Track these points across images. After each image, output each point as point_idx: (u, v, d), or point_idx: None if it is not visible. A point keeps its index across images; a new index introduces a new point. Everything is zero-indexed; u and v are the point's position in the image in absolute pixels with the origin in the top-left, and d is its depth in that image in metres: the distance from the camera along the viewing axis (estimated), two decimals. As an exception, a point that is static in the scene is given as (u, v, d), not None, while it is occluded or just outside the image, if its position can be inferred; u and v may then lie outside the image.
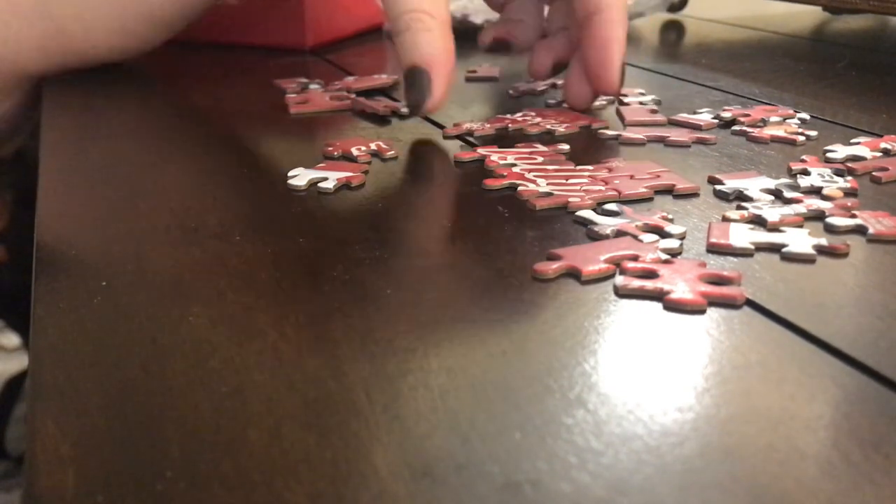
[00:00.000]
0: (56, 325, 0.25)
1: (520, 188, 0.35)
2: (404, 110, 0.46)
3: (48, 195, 0.35)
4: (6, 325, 1.08)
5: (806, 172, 0.37)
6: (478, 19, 0.72)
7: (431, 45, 0.41)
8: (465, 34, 0.72)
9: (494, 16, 0.72)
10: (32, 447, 0.19)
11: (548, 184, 0.36)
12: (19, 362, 1.06)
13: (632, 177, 0.36)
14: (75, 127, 0.46)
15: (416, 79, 0.41)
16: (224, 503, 0.18)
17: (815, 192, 0.35)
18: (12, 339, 1.15)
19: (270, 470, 0.18)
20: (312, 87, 0.52)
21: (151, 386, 0.22)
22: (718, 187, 0.35)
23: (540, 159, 0.39)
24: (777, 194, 0.34)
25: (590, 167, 0.38)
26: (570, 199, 0.34)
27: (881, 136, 0.42)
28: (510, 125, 0.44)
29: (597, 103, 0.49)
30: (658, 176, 0.37)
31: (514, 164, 0.38)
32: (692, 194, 0.35)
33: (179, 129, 0.46)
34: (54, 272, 0.28)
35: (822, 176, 0.36)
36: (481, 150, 0.40)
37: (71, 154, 0.41)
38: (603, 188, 0.35)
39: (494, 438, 0.20)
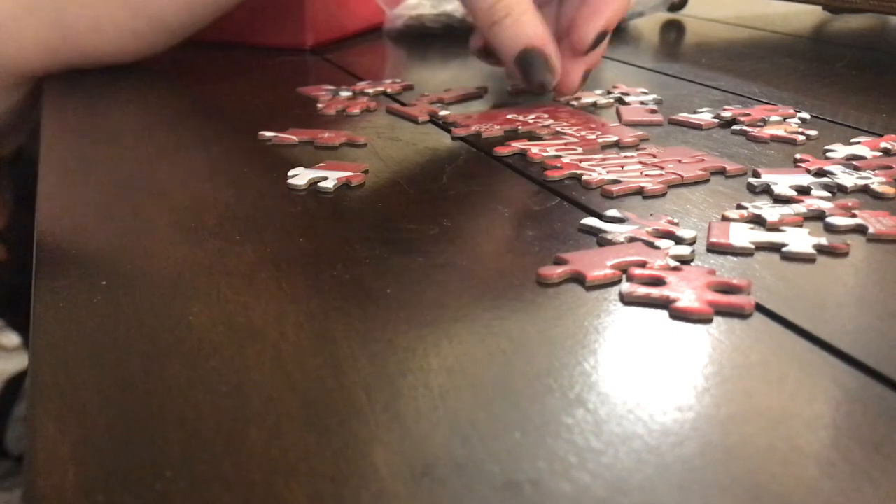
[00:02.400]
0: (56, 324, 0.25)
1: (585, 177, 0.36)
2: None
3: (48, 195, 0.35)
4: (6, 324, 1.08)
5: (823, 172, 0.37)
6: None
7: (537, 26, 0.42)
8: (465, 34, 0.73)
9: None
10: (32, 447, 0.19)
11: (607, 171, 0.37)
12: (19, 362, 1.06)
13: (679, 161, 0.38)
14: (76, 126, 0.46)
15: (533, 59, 0.43)
16: (224, 503, 0.18)
17: (862, 189, 0.35)
18: (12, 338, 1.15)
19: (270, 469, 0.18)
20: (343, 93, 0.51)
21: (151, 386, 0.22)
22: (751, 180, 0.36)
23: (579, 150, 0.40)
24: (806, 192, 0.34)
25: (632, 154, 0.39)
26: (643, 185, 0.35)
27: (881, 136, 0.42)
28: (520, 127, 0.44)
29: (603, 100, 0.50)
30: (702, 159, 0.38)
31: (559, 155, 0.39)
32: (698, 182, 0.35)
33: (179, 129, 0.46)
34: (54, 272, 0.28)
35: (849, 172, 0.36)
36: (516, 144, 0.41)
37: (71, 153, 0.41)
38: (662, 172, 0.37)
39: (494, 438, 0.20)
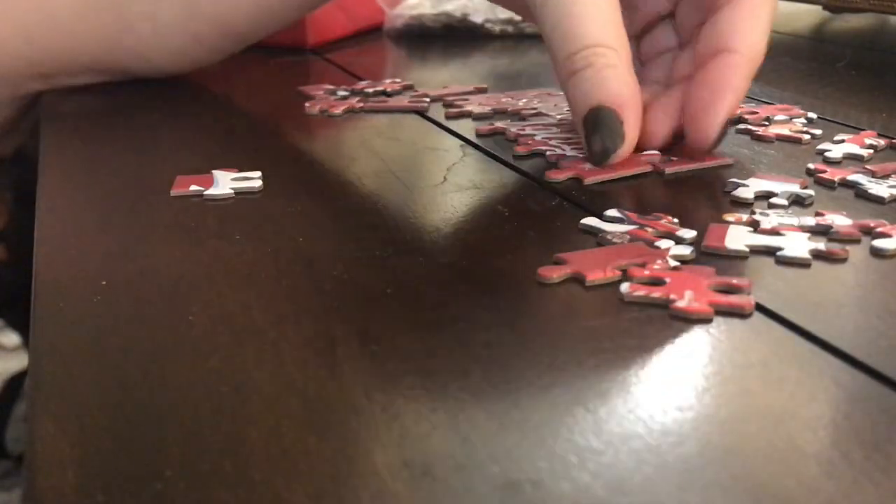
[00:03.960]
0: (56, 324, 0.25)
1: (548, 153, 0.38)
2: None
3: (48, 194, 0.35)
4: (6, 323, 1.08)
5: (848, 183, 0.35)
6: (478, 18, 0.72)
7: (620, 81, 0.35)
8: (465, 33, 0.73)
9: (495, 15, 0.72)
10: (32, 447, 0.19)
11: (571, 149, 0.39)
12: (19, 361, 1.06)
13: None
14: (75, 126, 0.46)
15: (602, 120, 0.35)
16: (224, 503, 0.18)
17: (878, 200, 0.34)
18: (12, 338, 1.15)
19: (270, 469, 0.18)
20: (340, 93, 0.51)
21: (151, 386, 0.22)
22: (735, 192, 0.34)
23: (556, 130, 0.42)
24: (801, 202, 0.34)
25: None
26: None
27: (861, 131, 0.43)
28: (510, 109, 0.46)
29: None
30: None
31: (534, 134, 0.41)
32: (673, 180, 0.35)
33: (179, 129, 0.46)
34: (54, 272, 0.28)
35: (876, 182, 0.35)
36: (498, 124, 0.43)
37: (71, 153, 0.41)
38: None
39: (494, 438, 0.20)
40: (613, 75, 0.35)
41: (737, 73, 0.36)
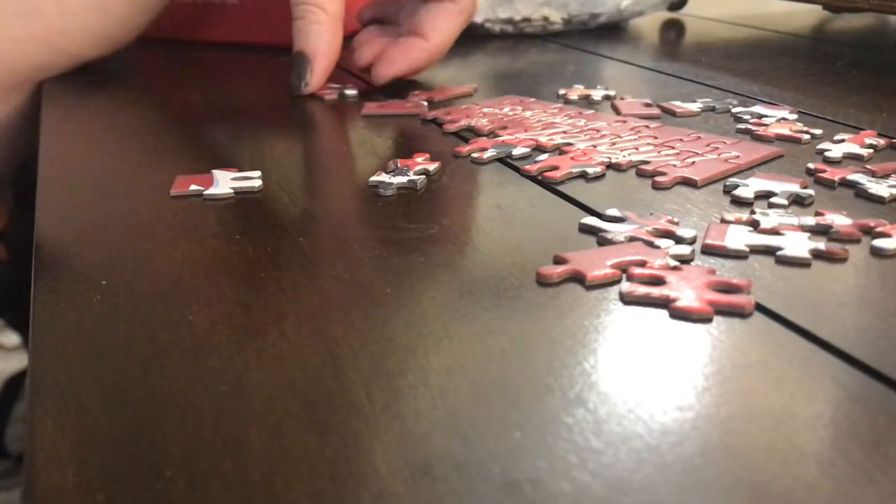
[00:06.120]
0: (56, 324, 0.25)
1: (614, 159, 0.38)
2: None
3: (48, 194, 0.35)
4: (6, 323, 1.08)
5: (848, 182, 0.35)
6: (478, 18, 0.72)
7: (319, 37, 0.48)
8: (465, 34, 0.72)
9: (495, 15, 0.72)
10: (32, 446, 0.19)
11: (629, 154, 0.39)
12: (19, 361, 1.06)
13: (681, 140, 0.41)
14: (75, 126, 0.46)
15: (299, 64, 0.49)
16: (224, 502, 0.18)
17: (878, 200, 0.34)
18: (12, 337, 1.15)
19: (270, 469, 0.18)
20: (348, 92, 0.51)
21: (151, 385, 0.22)
22: (735, 192, 0.34)
23: (584, 136, 0.42)
24: (800, 201, 0.34)
25: (634, 137, 0.42)
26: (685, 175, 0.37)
27: (861, 130, 0.43)
28: (504, 119, 0.46)
29: (598, 95, 0.50)
30: (699, 137, 0.42)
31: (571, 143, 0.41)
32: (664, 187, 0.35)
33: (178, 129, 0.46)
34: (54, 272, 0.28)
35: (876, 181, 0.35)
36: (521, 136, 0.42)
37: (70, 153, 0.41)
38: (677, 151, 0.39)
39: (494, 437, 0.20)
40: (316, 31, 0.48)
41: (419, 54, 0.51)
